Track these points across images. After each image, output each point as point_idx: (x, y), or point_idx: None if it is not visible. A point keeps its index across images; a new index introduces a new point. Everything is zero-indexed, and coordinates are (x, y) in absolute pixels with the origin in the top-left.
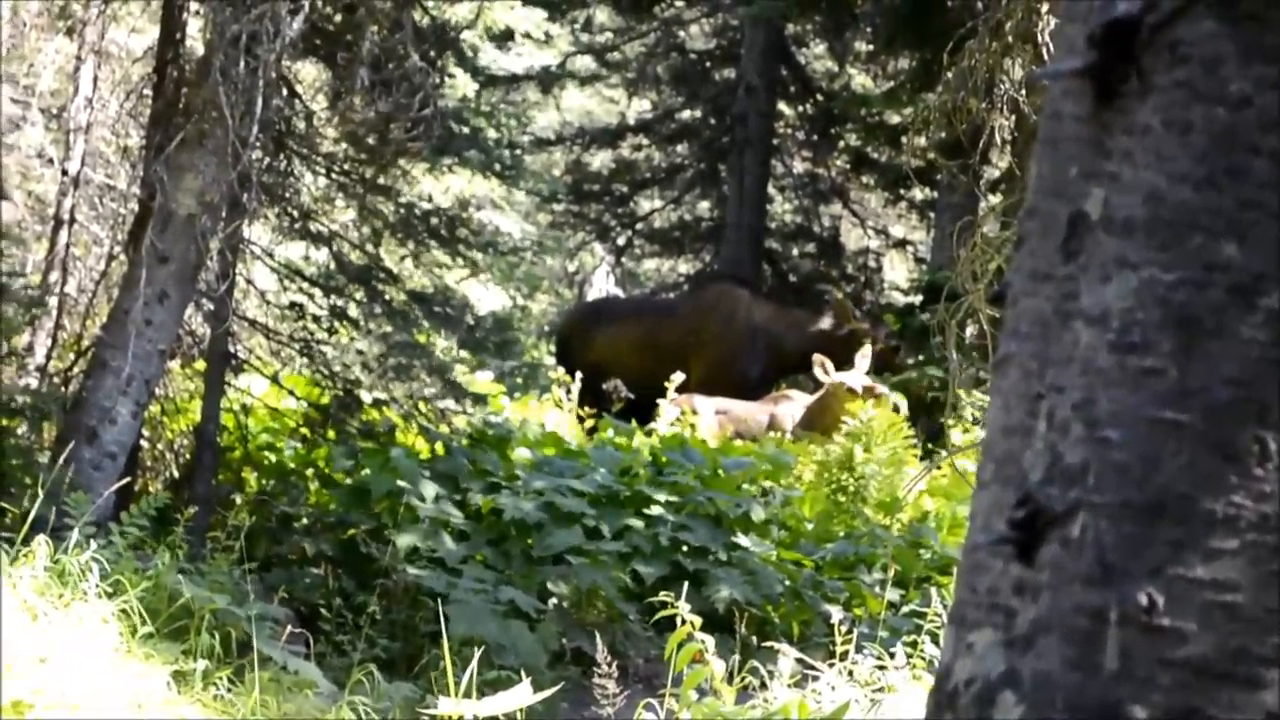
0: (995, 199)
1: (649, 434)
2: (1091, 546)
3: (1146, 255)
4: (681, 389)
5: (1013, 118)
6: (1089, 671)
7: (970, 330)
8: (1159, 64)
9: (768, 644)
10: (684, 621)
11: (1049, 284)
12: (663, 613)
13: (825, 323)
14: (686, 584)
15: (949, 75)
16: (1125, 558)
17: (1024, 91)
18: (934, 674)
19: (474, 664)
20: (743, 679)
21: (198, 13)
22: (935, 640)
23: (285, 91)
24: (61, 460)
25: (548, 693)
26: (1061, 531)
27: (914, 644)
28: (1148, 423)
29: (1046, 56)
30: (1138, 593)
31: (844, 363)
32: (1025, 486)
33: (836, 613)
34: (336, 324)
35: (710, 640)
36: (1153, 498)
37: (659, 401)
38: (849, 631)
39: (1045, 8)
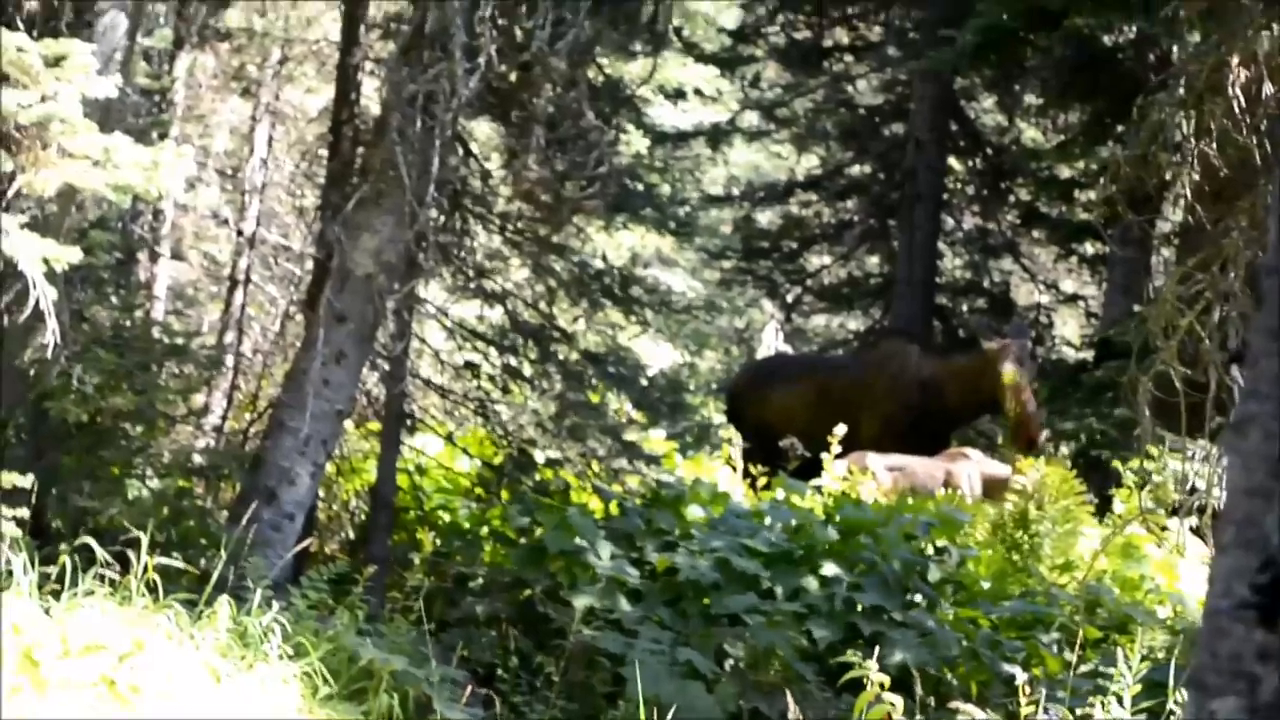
0: (1167, 253)
1: (818, 491)
2: None
3: None
4: (851, 445)
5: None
6: None
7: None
8: None
9: (950, 705)
10: (871, 683)
11: None
12: (849, 674)
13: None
14: (861, 646)
15: (1131, 128)
16: None
17: (1215, 145)
18: None
19: None
20: None
21: (373, 73)
22: (1120, 701)
23: (461, 151)
24: (243, 521)
25: None
26: None
27: (1103, 704)
28: None
29: (1238, 109)
30: None
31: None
32: (1268, 550)
33: (1019, 673)
34: (510, 383)
35: (899, 700)
36: None
37: (823, 457)
38: (1031, 692)
39: (1235, 60)
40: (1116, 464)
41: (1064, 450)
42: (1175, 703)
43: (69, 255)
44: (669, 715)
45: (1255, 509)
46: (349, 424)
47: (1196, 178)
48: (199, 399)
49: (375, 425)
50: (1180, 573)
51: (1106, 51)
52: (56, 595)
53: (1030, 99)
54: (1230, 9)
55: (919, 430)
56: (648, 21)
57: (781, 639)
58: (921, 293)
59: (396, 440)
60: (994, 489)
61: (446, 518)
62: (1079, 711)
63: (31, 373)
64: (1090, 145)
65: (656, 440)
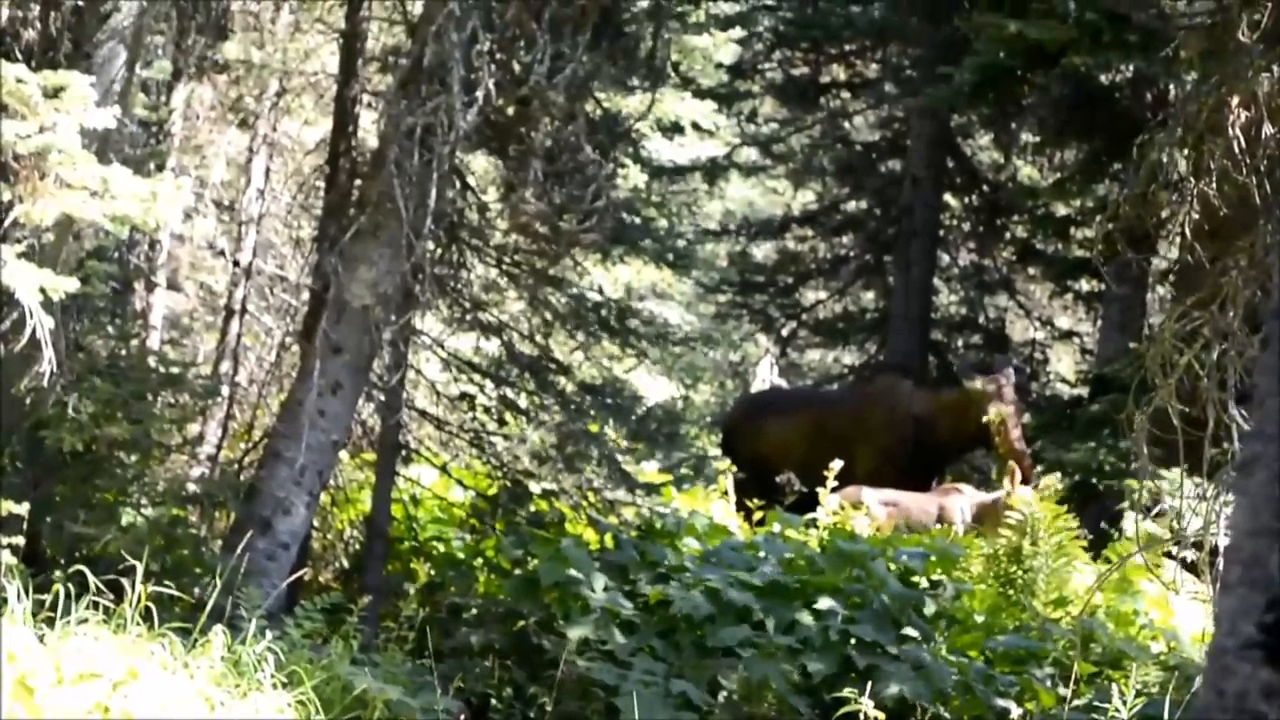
0: (1162, 290)
1: (811, 525)
2: None
3: None
4: (846, 479)
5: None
6: None
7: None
8: None
9: None
10: (865, 717)
11: None
12: (844, 709)
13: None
14: (855, 679)
15: (1129, 166)
16: None
17: (1214, 184)
18: None
19: None
20: None
21: (371, 105)
22: None
23: (458, 183)
24: (238, 551)
25: None
26: None
27: None
28: None
29: (1237, 150)
30: None
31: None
32: (1274, 590)
33: (1014, 708)
34: (506, 415)
35: None
36: None
37: (818, 491)
38: None
39: (1235, 100)
40: (1120, 490)
41: (1057, 485)
42: None
43: (66, 285)
44: None
45: (1261, 549)
46: (344, 454)
47: (1195, 216)
48: (194, 428)
49: (370, 455)
50: (1174, 608)
51: (1104, 90)
52: (51, 623)
53: (1027, 137)
54: (1230, 49)
55: (913, 464)
56: (645, 56)
57: (775, 671)
58: (917, 328)
59: (391, 471)
60: (986, 514)
61: (441, 548)
62: None
63: (28, 401)
64: (1087, 183)
65: (651, 473)
